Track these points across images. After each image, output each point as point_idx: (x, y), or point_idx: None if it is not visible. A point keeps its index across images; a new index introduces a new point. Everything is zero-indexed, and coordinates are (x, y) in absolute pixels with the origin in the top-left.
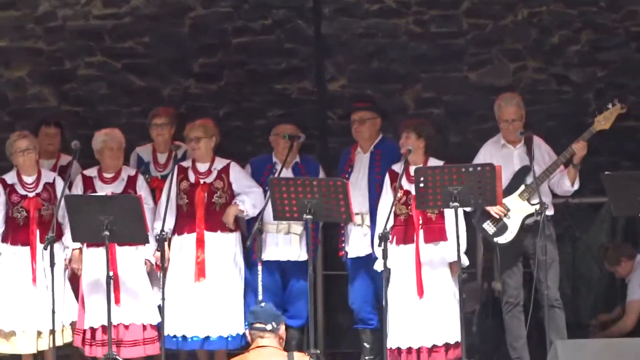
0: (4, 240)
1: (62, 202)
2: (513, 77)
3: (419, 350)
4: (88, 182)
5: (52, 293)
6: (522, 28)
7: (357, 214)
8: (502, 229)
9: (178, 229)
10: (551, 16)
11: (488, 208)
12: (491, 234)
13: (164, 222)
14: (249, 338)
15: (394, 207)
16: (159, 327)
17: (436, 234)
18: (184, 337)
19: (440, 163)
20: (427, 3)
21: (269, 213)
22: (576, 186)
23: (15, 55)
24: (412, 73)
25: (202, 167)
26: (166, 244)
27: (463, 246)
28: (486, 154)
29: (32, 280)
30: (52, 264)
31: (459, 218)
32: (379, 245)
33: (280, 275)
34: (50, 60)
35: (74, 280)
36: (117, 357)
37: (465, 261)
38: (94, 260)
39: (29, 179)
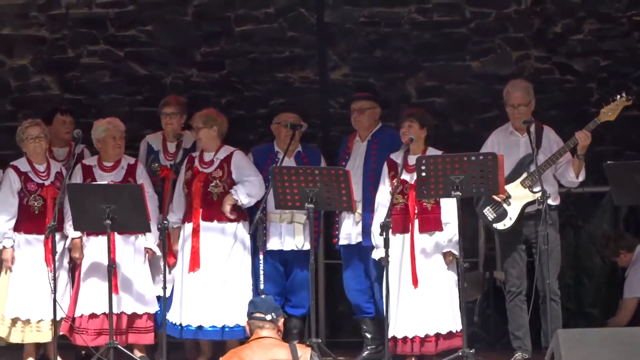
0: (17, 230)
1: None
2: (516, 66)
3: (413, 340)
4: (87, 171)
5: (54, 282)
6: (525, 17)
7: None
8: (501, 215)
9: (184, 219)
10: (554, 5)
11: None
12: (491, 220)
13: (167, 211)
14: (247, 329)
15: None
16: (156, 317)
17: (432, 223)
18: (181, 325)
19: (438, 153)
20: None
21: (272, 202)
22: (581, 178)
23: (18, 43)
24: (414, 62)
25: (208, 156)
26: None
27: (455, 236)
28: (494, 141)
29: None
30: (54, 253)
31: (457, 207)
32: (380, 234)
33: (283, 264)
34: (53, 49)
35: (73, 269)
36: (118, 345)
37: (455, 252)
38: (94, 249)
39: (41, 167)
